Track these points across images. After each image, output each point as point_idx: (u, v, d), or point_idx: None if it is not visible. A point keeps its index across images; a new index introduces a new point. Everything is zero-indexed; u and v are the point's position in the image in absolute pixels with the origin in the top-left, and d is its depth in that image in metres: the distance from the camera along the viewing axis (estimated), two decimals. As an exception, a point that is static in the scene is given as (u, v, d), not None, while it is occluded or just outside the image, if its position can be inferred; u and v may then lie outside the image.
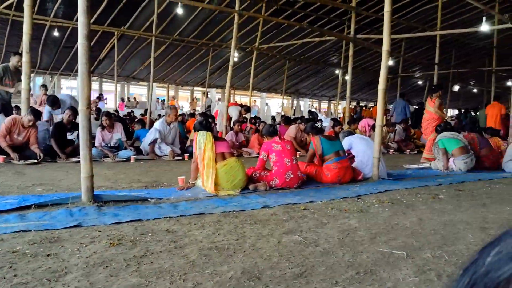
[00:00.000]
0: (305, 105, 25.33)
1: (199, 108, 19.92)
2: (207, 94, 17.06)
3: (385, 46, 5.15)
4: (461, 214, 3.49)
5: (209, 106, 16.59)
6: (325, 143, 4.94)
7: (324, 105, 28.21)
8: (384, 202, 3.86)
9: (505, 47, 13.64)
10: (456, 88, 15.94)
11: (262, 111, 19.90)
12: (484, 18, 9.29)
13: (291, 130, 8.53)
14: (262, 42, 13.17)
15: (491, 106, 11.01)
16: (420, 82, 20.14)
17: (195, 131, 4.37)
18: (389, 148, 9.35)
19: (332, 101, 24.71)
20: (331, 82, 20.76)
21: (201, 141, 4.16)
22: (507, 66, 13.58)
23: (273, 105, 25.53)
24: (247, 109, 9.65)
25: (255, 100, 22.47)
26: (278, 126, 10.13)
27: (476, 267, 0.28)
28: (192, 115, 12.26)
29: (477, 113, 15.27)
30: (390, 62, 15.06)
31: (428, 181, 5.25)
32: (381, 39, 5.24)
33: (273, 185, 4.39)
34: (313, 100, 26.48)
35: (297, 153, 7.89)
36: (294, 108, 22.54)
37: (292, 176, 4.42)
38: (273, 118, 13.78)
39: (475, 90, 21.16)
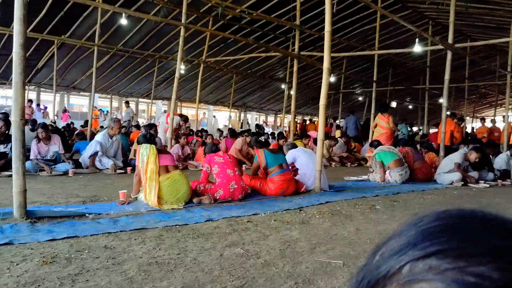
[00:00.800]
0: (252, 118, 25.60)
1: (144, 121, 19.50)
2: (128, 104, 15.95)
3: (326, 64, 5.38)
4: (395, 224, 3.70)
5: (132, 117, 15.42)
6: (269, 156, 5.04)
7: (271, 118, 28.67)
8: (325, 213, 3.99)
9: (437, 67, 14.66)
10: (394, 104, 16.90)
11: (209, 123, 19.85)
12: (417, 40, 10.01)
13: (238, 143, 8.59)
14: (209, 55, 13.21)
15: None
16: (360, 98, 21.12)
17: (138, 144, 4.30)
18: (332, 161, 9.68)
19: (278, 115, 25.18)
20: (278, 97, 21.19)
21: (144, 153, 4.09)
22: (438, 85, 14.62)
23: (221, 118, 25.56)
24: (186, 119, 9.62)
25: (204, 113, 22.38)
26: (224, 139, 10.18)
27: (366, 266, 0.33)
28: (137, 127, 11.98)
29: (412, 128, 16.26)
30: (332, 79, 15.74)
31: (366, 192, 5.51)
32: (323, 57, 5.47)
33: (217, 197, 4.40)
34: (260, 113, 26.84)
35: (243, 165, 8.00)
36: (241, 121, 22.69)
37: (236, 186, 4.46)
38: (219, 130, 13.75)
39: (410, 106, 22.53)
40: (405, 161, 6.83)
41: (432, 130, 15.12)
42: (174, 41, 13.16)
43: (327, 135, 11.10)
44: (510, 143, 10.11)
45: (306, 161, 5.68)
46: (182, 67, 12.97)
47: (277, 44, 13.98)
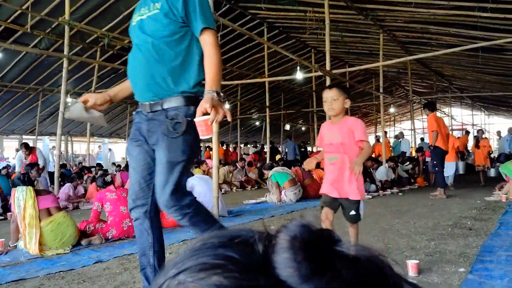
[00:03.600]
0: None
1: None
2: None
3: (215, 92, 5.53)
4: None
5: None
6: (163, 187, 4.95)
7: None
8: (221, 240, 4.02)
9: (322, 91, 15.92)
10: (287, 127, 17.84)
11: (104, 157, 18.81)
12: (298, 68, 10.83)
13: (134, 177, 8.27)
14: (99, 86, 12.67)
15: None
16: (257, 123, 21.89)
17: (13, 187, 3.92)
18: (232, 185, 9.84)
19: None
20: (176, 125, 21.00)
21: (20, 198, 3.73)
22: (323, 107, 15.81)
23: (119, 150, 24.39)
24: (25, 146, 8.50)
25: (100, 146, 21.16)
26: (120, 172, 9.74)
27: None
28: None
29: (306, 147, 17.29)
30: (227, 106, 16.11)
31: (263, 214, 5.70)
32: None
33: (109, 237, 4.18)
34: (160, 143, 26.26)
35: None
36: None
37: (130, 224, 4.28)
38: (114, 164, 13.03)
39: (303, 128, 23.99)
40: (297, 180, 7.23)
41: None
42: (59, 73, 12.39)
43: (231, 161, 11.31)
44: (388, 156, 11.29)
45: (203, 189, 5.69)
46: (69, 99, 12.23)
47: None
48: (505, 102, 20.34)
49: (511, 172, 6.92)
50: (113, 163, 13.02)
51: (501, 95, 17.32)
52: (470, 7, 7.87)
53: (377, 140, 14.66)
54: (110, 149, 20.84)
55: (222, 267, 0.30)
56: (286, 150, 14.42)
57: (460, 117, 24.14)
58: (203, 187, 5.70)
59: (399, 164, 10.07)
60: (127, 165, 10.06)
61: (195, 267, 0.31)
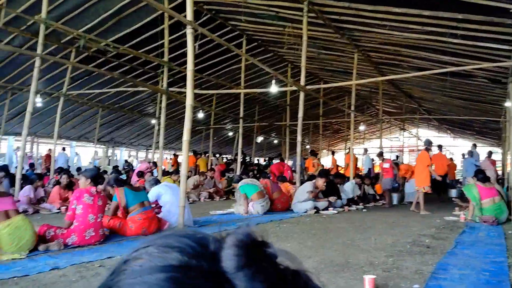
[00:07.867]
0: (121, 154, 24.50)
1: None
2: None
3: (189, 101, 5.56)
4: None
5: None
6: (129, 194, 4.89)
7: (142, 154, 27.77)
8: (185, 250, 4.00)
9: (295, 105, 16.12)
10: (260, 139, 17.90)
11: (71, 161, 18.29)
12: (273, 81, 10.98)
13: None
14: (71, 88, 12.42)
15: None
16: (230, 134, 21.91)
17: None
18: (201, 196, 9.79)
19: (149, 151, 24.58)
20: (148, 132, 20.72)
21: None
22: (297, 121, 16.00)
23: (86, 155, 23.80)
24: None
25: (64, 148, 20.59)
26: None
27: None
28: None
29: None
30: (201, 115, 16.08)
31: (229, 225, 5.69)
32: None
33: (69, 243, 4.08)
34: (131, 149, 25.82)
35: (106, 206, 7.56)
36: (109, 157, 21.49)
37: (93, 234, 4.19)
38: (78, 169, 12.50)
39: (276, 141, 24.16)
40: (265, 193, 7.28)
41: (275, 161, 16.45)
42: (30, 72, 12.07)
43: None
44: (357, 173, 11.52)
45: (170, 198, 5.64)
46: (39, 99, 11.95)
47: (147, 79, 13.84)
48: (470, 126, 21.14)
49: (471, 194, 7.08)
50: (79, 168, 12.63)
51: (466, 119, 18.01)
52: (441, 32, 8.18)
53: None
54: (77, 153, 20.31)
55: (182, 249, 0.41)
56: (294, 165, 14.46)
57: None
58: (170, 196, 5.65)
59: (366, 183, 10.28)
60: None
61: (163, 244, 0.42)
